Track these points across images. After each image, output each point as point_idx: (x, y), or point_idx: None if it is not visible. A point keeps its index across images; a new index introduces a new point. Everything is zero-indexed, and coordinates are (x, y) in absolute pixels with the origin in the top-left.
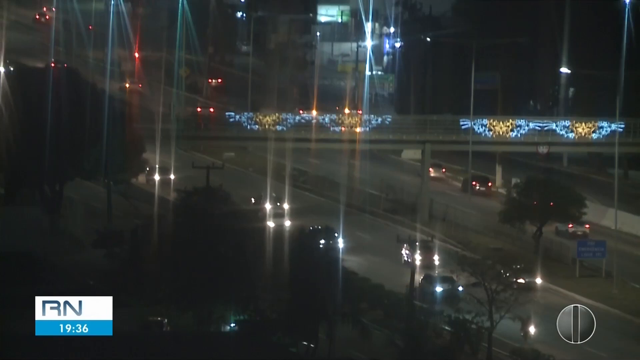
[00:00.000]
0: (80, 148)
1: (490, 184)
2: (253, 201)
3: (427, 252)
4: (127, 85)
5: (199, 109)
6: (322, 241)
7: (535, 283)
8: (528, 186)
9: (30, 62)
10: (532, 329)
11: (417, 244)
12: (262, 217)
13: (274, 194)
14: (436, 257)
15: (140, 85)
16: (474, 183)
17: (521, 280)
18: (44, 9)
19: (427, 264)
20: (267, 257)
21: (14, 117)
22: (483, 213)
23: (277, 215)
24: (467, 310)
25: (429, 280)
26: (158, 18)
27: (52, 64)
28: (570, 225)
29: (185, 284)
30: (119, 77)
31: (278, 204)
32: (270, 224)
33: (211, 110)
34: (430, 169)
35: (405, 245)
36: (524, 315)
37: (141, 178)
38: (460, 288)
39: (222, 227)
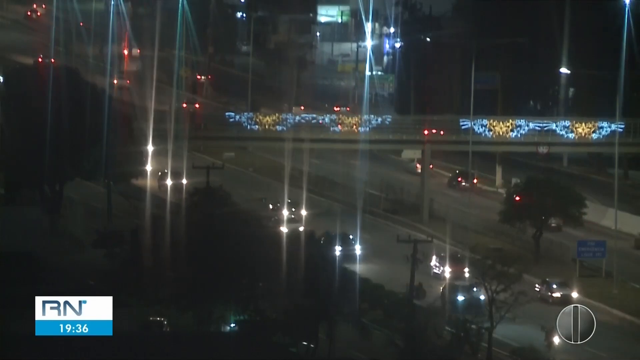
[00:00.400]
0: (80, 148)
1: (475, 181)
2: (271, 207)
3: (457, 263)
4: (115, 81)
5: (184, 105)
6: (340, 248)
7: (570, 297)
8: (528, 186)
9: (23, 59)
10: (556, 340)
11: (443, 255)
12: (267, 220)
13: (289, 200)
14: (466, 270)
15: (128, 82)
16: (459, 179)
17: (557, 295)
18: (34, 6)
19: (458, 276)
20: (269, 258)
21: (12, 117)
22: (468, 208)
23: (291, 221)
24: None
25: (450, 289)
26: (157, 17)
27: (39, 60)
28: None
29: (185, 283)
30: (110, 74)
31: (294, 209)
32: (284, 229)
33: (196, 106)
34: (417, 165)
35: (434, 257)
36: (548, 326)
37: (153, 183)
38: (482, 297)
39: (222, 227)
